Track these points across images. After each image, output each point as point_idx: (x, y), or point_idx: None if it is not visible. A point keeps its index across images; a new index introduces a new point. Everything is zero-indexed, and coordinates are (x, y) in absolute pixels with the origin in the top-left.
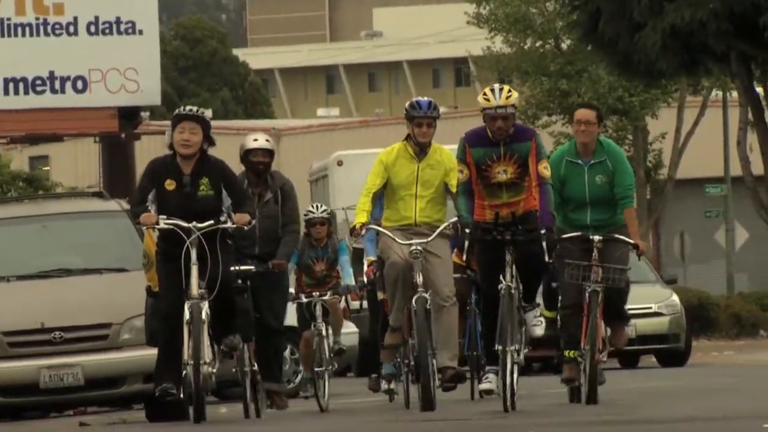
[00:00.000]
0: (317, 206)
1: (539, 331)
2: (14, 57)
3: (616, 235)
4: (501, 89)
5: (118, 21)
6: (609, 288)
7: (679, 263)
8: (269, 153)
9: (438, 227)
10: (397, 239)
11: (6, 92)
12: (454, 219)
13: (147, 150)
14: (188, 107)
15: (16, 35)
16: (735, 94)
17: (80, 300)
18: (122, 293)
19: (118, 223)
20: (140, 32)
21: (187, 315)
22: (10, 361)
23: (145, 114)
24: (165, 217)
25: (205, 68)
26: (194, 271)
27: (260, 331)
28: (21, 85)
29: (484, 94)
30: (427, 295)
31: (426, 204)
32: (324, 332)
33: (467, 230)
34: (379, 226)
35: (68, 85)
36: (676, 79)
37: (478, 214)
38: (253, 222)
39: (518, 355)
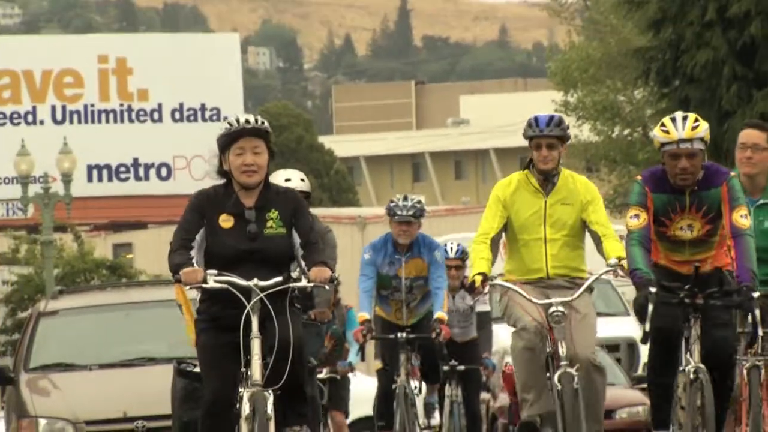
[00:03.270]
0: None
1: None
2: (98, 143)
3: None
4: (685, 117)
5: (203, 108)
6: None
7: None
8: (306, 195)
9: (578, 279)
10: (532, 298)
11: (90, 179)
12: (613, 264)
13: None
14: (244, 117)
15: (99, 122)
16: None
17: (163, 389)
18: None
19: None
20: (225, 119)
21: (246, 409)
22: None
23: None
24: (215, 272)
25: (291, 155)
26: (257, 346)
27: None
28: (105, 172)
29: (662, 125)
30: (574, 372)
31: (559, 250)
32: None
33: (651, 290)
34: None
35: (152, 172)
36: None
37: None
38: (336, 279)
39: None
